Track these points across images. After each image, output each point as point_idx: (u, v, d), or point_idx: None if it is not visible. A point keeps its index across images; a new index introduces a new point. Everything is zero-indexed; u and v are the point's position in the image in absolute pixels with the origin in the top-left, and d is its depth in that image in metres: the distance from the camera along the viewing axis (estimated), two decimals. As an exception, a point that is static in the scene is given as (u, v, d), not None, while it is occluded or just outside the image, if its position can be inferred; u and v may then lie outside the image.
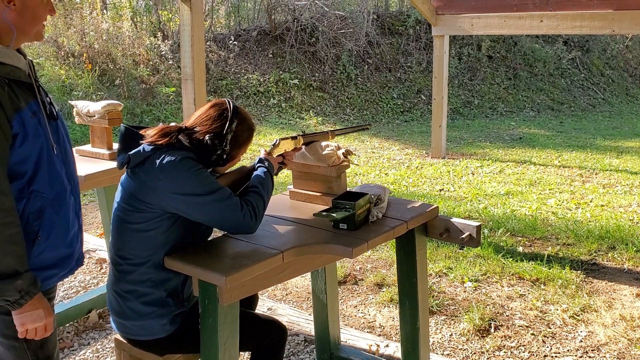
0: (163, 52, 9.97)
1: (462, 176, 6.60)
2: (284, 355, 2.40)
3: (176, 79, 9.54)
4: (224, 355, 1.88)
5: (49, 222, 1.73)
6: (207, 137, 1.94)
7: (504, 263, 4.01)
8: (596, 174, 6.66)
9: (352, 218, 2.06)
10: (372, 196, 2.19)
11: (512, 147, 8.28)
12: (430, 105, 9.25)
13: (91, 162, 3.14)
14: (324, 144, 2.39)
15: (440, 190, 6.04)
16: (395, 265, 3.96)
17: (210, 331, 1.86)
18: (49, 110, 1.76)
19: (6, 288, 1.59)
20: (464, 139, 9.03)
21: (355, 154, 7.27)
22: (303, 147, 2.36)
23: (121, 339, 2.06)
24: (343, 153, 2.39)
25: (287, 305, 3.55)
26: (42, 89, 1.80)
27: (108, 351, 3.01)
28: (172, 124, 2.01)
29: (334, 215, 2.05)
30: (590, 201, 5.53)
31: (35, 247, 1.70)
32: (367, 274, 3.93)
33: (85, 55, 9.08)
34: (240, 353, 2.25)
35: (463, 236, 2.23)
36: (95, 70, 9.03)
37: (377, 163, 7.27)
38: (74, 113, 3.35)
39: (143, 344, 2.00)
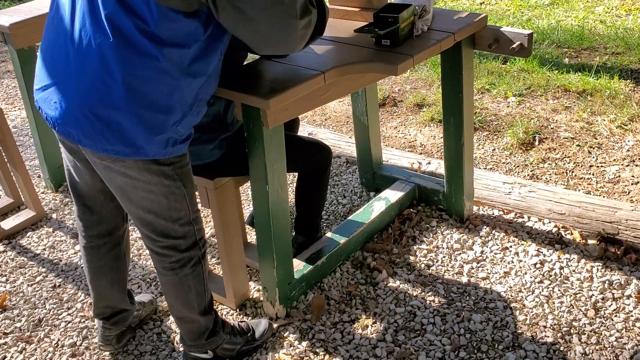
0: None
1: (504, -13, 6.14)
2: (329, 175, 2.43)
3: None
4: (272, 177, 1.91)
5: None
6: None
7: (549, 76, 3.86)
8: (652, -25, 6.11)
9: (395, 32, 1.94)
10: (416, 7, 2.03)
11: (559, -49, 7.58)
12: None
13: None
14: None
15: (481, 3, 5.68)
16: (435, 85, 3.83)
17: (257, 154, 1.87)
18: None
19: None
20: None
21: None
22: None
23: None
24: (382, -39, 2.19)
25: (327, 129, 3.55)
26: None
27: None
28: None
29: (377, 30, 1.93)
30: (644, 5, 5.14)
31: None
32: (407, 95, 3.85)
33: None
34: (287, 174, 2.29)
35: (513, 46, 2.10)
36: None
37: (412, -22, 6.80)
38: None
39: (192, 168, 2.03)
